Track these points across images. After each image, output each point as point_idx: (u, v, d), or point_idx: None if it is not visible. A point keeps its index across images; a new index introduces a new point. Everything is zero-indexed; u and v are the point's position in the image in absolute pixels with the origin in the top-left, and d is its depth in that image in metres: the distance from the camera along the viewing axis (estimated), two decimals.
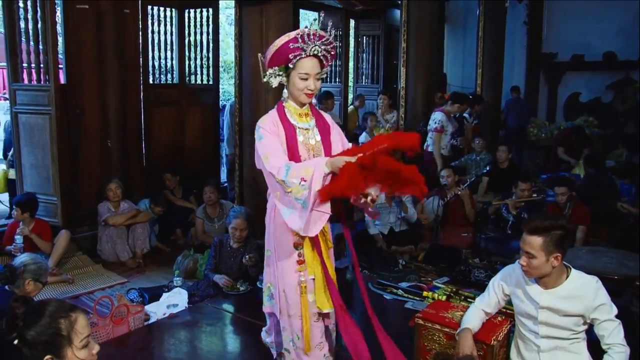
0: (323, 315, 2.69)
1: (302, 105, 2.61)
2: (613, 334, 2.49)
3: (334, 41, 2.56)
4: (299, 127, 2.59)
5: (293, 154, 2.53)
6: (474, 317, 2.82)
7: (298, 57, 2.49)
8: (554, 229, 2.49)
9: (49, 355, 1.80)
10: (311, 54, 2.50)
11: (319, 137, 2.61)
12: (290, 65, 2.52)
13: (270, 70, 2.56)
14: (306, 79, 2.52)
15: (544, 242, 2.48)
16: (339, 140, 2.72)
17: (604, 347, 2.52)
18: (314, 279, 2.62)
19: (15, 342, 1.81)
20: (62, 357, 1.83)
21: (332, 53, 2.58)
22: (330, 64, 2.66)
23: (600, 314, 2.51)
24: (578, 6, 10.37)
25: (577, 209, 5.31)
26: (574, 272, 2.62)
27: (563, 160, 8.37)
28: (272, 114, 2.63)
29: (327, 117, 2.73)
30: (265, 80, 2.60)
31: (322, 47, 2.51)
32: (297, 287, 2.61)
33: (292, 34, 2.48)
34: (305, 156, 2.56)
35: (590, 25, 10.11)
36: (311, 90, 2.53)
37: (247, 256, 4.50)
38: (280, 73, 2.56)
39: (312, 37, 2.47)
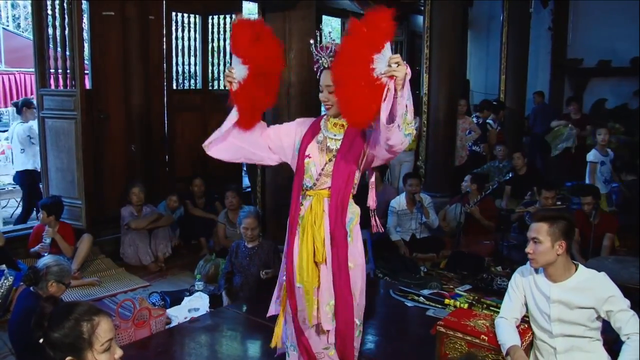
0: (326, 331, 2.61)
1: (338, 116, 2.53)
2: (630, 323, 2.49)
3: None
4: (323, 133, 2.55)
5: (301, 149, 2.55)
6: (511, 331, 2.77)
7: (318, 72, 2.52)
8: (560, 219, 2.64)
9: (69, 356, 1.81)
10: (324, 67, 2.48)
11: (336, 150, 2.50)
12: None
13: None
14: (321, 91, 2.51)
15: (550, 228, 2.61)
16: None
17: (622, 338, 2.52)
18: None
19: (41, 340, 1.82)
20: (82, 359, 1.83)
21: None
22: None
23: (612, 306, 2.53)
24: (605, 11, 10.20)
25: (604, 217, 5.22)
26: (582, 268, 2.69)
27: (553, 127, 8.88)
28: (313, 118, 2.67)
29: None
30: None
31: (329, 59, 2.45)
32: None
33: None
34: (315, 158, 2.52)
35: (617, 30, 9.92)
36: (324, 100, 2.50)
37: (264, 272, 4.51)
38: None
39: (323, 49, 2.47)
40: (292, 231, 2.58)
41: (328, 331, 2.57)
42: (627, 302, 2.55)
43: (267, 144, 2.65)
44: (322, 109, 2.69)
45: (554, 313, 2.64)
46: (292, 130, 2.64)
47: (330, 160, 2.50)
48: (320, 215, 2.50)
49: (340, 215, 2.48)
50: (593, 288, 2.58)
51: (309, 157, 2.53)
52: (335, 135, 2.53)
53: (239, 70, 2.47)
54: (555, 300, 2.64)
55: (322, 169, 2.51)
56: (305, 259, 2.50)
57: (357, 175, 2.53)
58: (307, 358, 2.65)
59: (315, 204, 2.52)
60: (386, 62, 2.08)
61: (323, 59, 2.46)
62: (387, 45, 2.09)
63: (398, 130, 2.15)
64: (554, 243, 2.60)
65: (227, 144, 2.62)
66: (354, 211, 2.58)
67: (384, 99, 2.11)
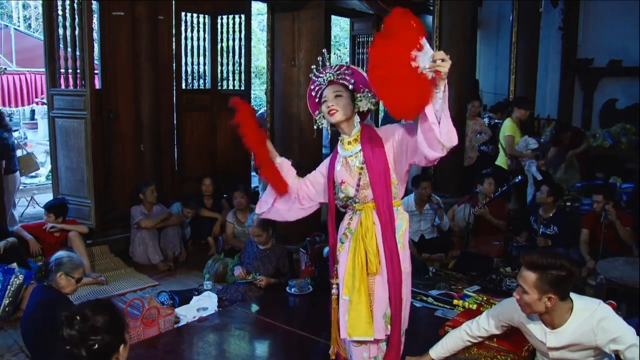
0: (367, 342, 2.58)
1: (348, 132, 2.60)
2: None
3: (343, 65, 2.58)
4: (341, 156, 2.62)
5: (329, 181, 2.67)
6: (450, 345, 2.83)
7: (320, 92, 2.62)
8: (553, 268, 2.35)
9: (122, 344, 1.94)
10: (325, 83, 2.59)
11: (361, 161, 2.54)
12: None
13: (316, 117, 2.72)
14: (325, 101, 2.56)
15: (538, 280, 2.36)
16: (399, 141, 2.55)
17: None
18: (349, 301, 2.55)
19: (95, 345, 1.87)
20: (125, 342, 1.97)
21: (348, 72, 2.55)
22: (355, 82, 2.57)
23: (618, 344, 2.35)
24: (616, 10, 10.12)
25: (618, 216, 5.14)
26: (577, 306, 2.46)
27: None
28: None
29: (383, 132, 2.57)
30: (316, 127, 2.74)
31: (334, 72, 2.57)
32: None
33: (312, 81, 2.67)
34: (348, 180, 2.57)
35: (628, 30, 9.83)
36: (330, 106, 2.52)
37: (258, 279, 4.53)
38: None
39: (326, 68, 2.59)
40: (335, 260, 2.68)
41: (369, 343, 2.57)
42: (632, 333, 2.36)
43: (306, 195, 2.77)
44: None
45: (553, 355, 2.53)
46: (322, 171, 2.76)
47: (360, 173, 2.54)
48: (371, 227, 2.54)
49: (390, 222, 2.53)
50: (592, 330, 2.39)
51: (343, 183, 2.59)
52: (352, 151, 2.58)
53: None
54: (552, 348, 2.50)
55: (358, 185, 2.55)
56: (359, 270, 2.52)
57: (395, 178, 2.55)
58: None
59: (365, 218, 2.56)
60: (429, 57, 2.06)
61: (328, 74, 2.57)
62: (425, 42, 2.09)
63: (444, 123, 2.16)
64: (542, 296, 2.37)
65: (276, 212, 2.84)
66: (402, 218, 2.64)
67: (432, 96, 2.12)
